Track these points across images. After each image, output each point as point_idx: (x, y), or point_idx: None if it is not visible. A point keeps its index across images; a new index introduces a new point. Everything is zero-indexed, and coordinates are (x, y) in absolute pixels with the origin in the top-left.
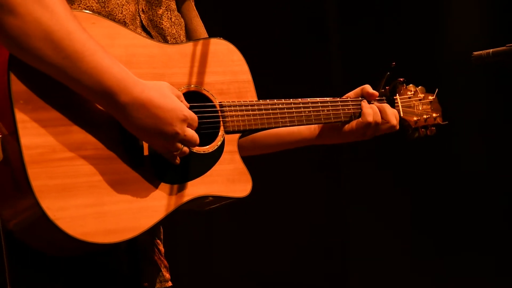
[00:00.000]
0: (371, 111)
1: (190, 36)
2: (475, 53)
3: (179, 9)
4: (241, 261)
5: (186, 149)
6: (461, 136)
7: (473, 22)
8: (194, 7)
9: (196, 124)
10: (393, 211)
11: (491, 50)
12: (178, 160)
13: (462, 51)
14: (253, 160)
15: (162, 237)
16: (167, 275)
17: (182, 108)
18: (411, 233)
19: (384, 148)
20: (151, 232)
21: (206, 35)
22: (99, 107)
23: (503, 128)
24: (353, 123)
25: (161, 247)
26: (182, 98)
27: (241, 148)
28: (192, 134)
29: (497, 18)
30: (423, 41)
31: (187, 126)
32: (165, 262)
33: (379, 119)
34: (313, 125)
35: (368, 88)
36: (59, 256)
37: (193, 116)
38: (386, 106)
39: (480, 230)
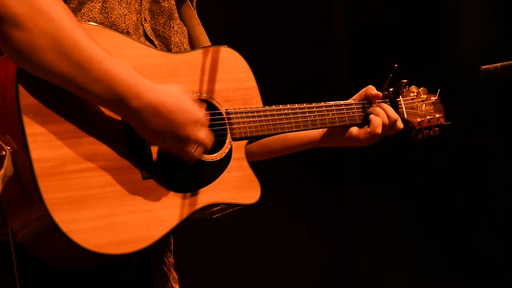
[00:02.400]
0: (380, 122)
1: (192, 44)
2: (483, 67)
3: (181, 17)
4: (250, 274)
5: (198, 152)
6: (468, 145)
7: (480, 29)
8: (196, 15)
9: (206, 127)
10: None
11: (499, 64)
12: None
13: (469, 58)
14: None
15: (172, 248)
16: (176, 287)
17: (195, 110)
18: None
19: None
20: (161, 243)
21: (208, 43)
22: (108, 117)
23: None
24: (361, 132)
25: (171, 259)
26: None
27: (249, 153)
28: (204, 136)
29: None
30: (430, 47)
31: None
32: (175, 273)
33: (386, 121)
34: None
35: (371, 89)
36: (71, 269)
37: (204, 120)
38: (386, 106)
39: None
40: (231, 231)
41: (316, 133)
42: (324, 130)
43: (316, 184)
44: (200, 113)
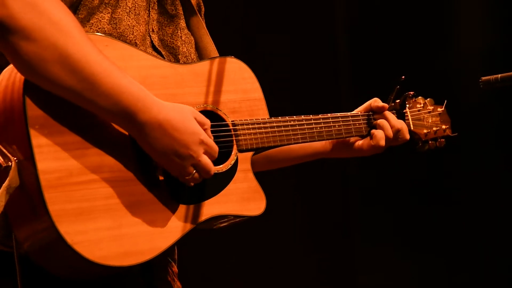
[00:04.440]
0: (382, 135)
1: (200, 54)
2: (484, 78)
3: (188, 27)
4: (253, 285)
5: (197, 175)
6: (471, 155)
7: (483, 35)
8: (204, 25)
9: (215, 154)
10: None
11: (499, 75)
12: (192, 183)
13: (470, 68)
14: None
15: (176, 257)
16: None
17: (201, 133)
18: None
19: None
20: (165, 253)
21: (216, 53)
22: (114, 129)
23: None
24: (364, 144)
25: (175, 268)
26: (208, 125)
27: (254, 164)
28: (206, 162)
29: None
30: (432, 56)
31: (204, 153)
32: (178, 283)
33: (390, 134)
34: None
35: (377, 101)
36: (75, 279)
37: (212, 144)
38: (389, 115)
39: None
40: (234, 241)
41: (320, 144)
42: (330, 142)
43: (317, 200)
44: (205, 136)
